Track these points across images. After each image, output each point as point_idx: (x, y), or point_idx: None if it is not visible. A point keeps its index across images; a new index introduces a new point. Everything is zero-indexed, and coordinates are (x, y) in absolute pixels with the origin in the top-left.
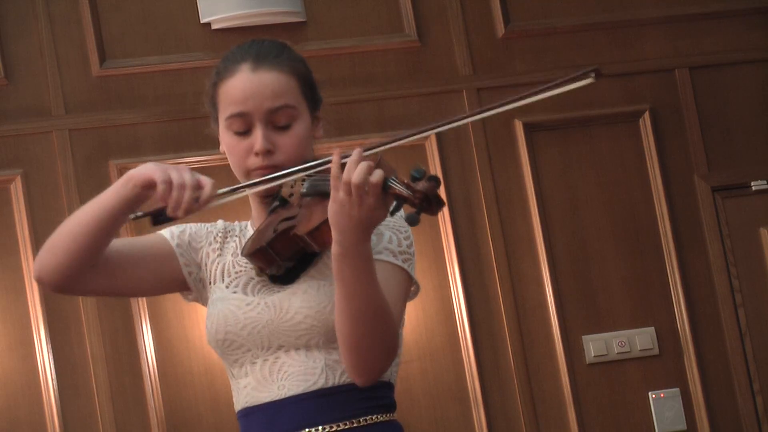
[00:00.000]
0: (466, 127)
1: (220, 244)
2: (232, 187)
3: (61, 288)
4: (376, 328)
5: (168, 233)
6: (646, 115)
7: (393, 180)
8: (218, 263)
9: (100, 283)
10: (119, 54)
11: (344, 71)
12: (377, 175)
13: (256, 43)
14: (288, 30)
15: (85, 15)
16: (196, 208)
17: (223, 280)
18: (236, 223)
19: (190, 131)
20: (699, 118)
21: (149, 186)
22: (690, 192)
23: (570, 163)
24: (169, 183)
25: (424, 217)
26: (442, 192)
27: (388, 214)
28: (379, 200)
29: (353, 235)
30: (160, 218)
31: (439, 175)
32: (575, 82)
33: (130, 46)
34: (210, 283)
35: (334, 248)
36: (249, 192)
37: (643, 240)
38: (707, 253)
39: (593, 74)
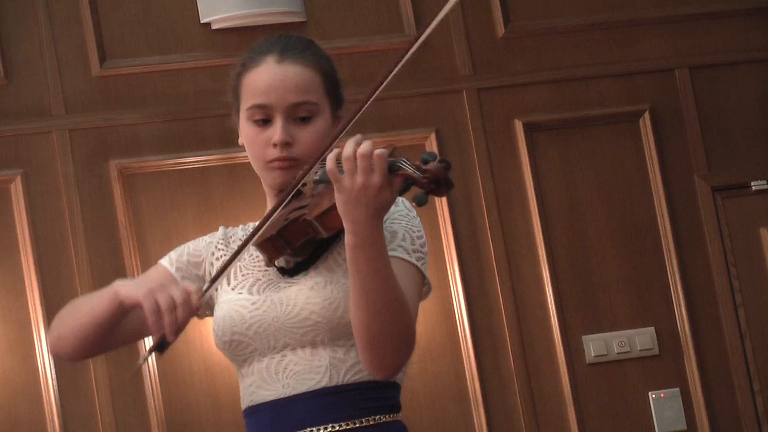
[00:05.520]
0: (466, 127)
1: (223, 250)
2: (217, 274)
3: (80, 360)
4: (393, 320)
5: (167, 261)
6: (646, 115)
7: (402, 161)
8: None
9: (119, 342)
10: (119, 54)
11: (344, 71)
12: (381, 150)
13: (282, 37)
14: (288, 30)
15: (85, 15)
16: (191, 317)
17: (229, 283)
18: (240, 226)
19: (190, 131)
20: (699, 118)
21: (137, 307)
22: (690, 192)
23: (570, 163)
24: (157, 312)
25: (424, 216)
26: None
27: (396, 195)
28: (385, 178)
29: (365, 223)
30: (164, 346)
31: None
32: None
33: (130, 46)
34: (216, 290)
35: (348, 239)
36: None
37: (643, 240)
38: (707, 253)
39: None
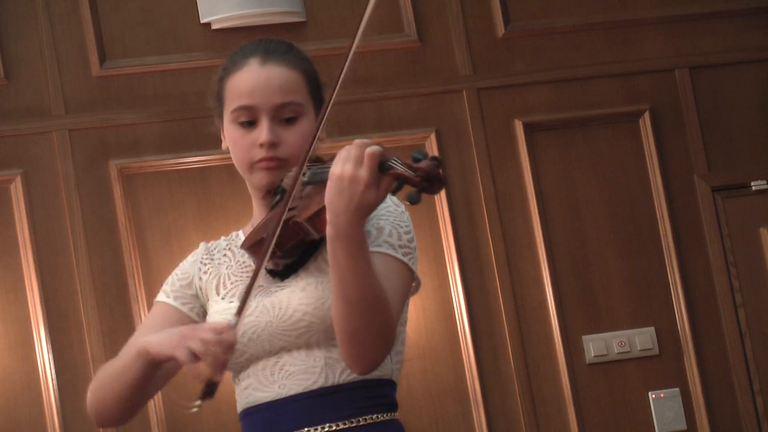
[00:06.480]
0: (466, 127)
1: (208, 264)
2: (242, 296)
3: (128, 421)
4: (370, 316)
5: (164, 296)
6: (646, 115)
7: (393, 161)
8: (212, 280)
9: (159, 388)
10: (119, 54)
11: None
12: (374, 147)
13: (264, 40)
14: (288, 30)
15: (85, 15)
16: (230, 352)
17: (218, 293)
18: (222, 238)
19: (190, 131)
20: (699, 118)
21: (169, 361)
22: (690, 192)
23: (570, 163)
24: (195, 358)
25: (423, 216)
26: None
27: (389, 194)
28: (372, 176)
29: (346, 217)
30: (212, 390)
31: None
32: None
33: (130, 46)
34: (207, 300)
35: (328, 230)
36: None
37: (643, 240)
38: (707, 253)
39: None
